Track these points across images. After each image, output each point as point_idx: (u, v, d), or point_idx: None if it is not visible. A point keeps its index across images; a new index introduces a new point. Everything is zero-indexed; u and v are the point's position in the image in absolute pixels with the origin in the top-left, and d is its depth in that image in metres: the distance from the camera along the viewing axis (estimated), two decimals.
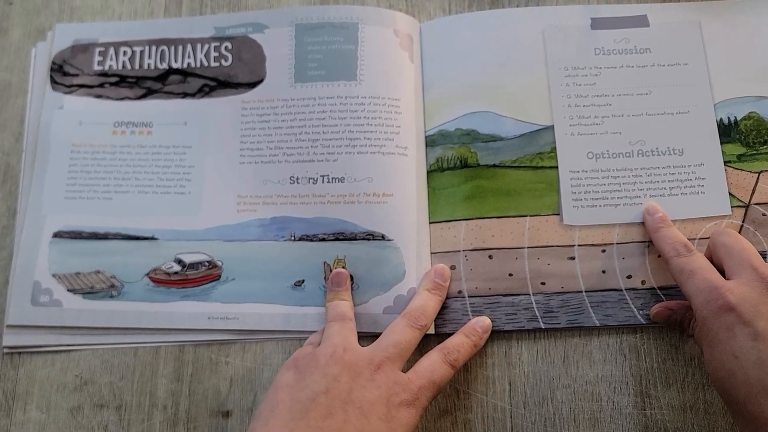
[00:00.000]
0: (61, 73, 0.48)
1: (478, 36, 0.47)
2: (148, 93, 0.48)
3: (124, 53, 0.48)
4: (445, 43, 0.47)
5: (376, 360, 0.36)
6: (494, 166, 0.44)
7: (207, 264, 0.44)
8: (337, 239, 0.43)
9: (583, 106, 0.45)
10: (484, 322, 0.41)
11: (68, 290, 0.44)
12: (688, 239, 0.39)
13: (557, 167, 0.44)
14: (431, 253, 0.43)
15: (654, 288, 0.41)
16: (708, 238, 0.39)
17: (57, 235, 0.45)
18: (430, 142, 0.45)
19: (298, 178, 0.44)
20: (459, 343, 0.39)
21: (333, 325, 0.39)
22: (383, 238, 0.43)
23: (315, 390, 0.34)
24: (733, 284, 0.34)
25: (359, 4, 0.49)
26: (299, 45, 0.47)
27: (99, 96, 0.48)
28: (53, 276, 0.44)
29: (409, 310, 0.40)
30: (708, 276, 0.35)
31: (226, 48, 0.48)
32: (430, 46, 0.47)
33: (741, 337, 0.32)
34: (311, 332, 0.42)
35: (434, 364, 0.37)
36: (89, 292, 0.44)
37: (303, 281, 0.43)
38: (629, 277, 0.42)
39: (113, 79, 0.48)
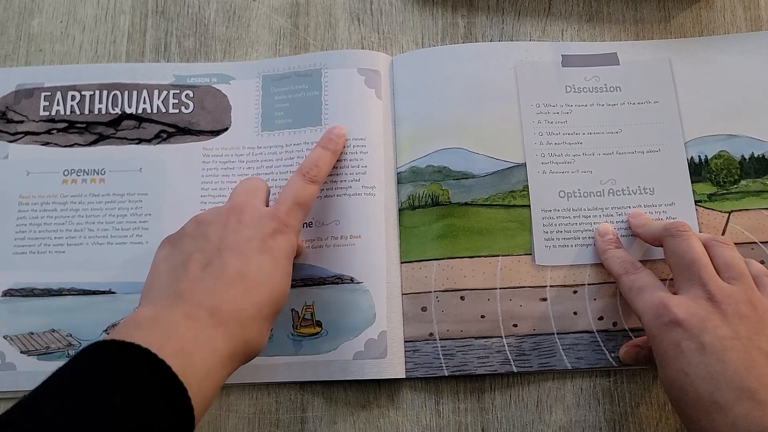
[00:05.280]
0: (4, 120, 0.46)
1: (450, 70, 0.46)
2: (100, 139, 0.46)
3: (72, 98, 0.46)
4: (417, 77, 0.46)
5: (268, 213, 0.37)
6: (466, 204, 0.43)
7: None
8: (305, 284, 0.42)
9: (555, 143, 0.44)
10: (338, 128, 0.43)
11: (21, 352, 0.41)
12: (660, 280, 0.39)
13: (529, 206, 0.43)
14: (402, 294, 0.42)
15: (625, 329, 0.41)
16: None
17: (7, 293, 0.42)
18: (402, 178, 0.44)
19: None
20: (317, 157, 0.40)
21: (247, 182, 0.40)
22: (352, 281, 0.42)
23: (188, 252, 0.35)
24: (681, 299, 0.34)
25: (330, 41, 0.48)
26: (266, 95, 0.46)
27: (46, 143, 0.45)
28: (5, 338, 0.42)
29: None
30: (656, 293, 0.35)
31: (186, 96, 0.46)
32: (403, 80, 0.46)
33: (688, 352, 0.32)
34: (281, 383, 0.41)
35: (295, 187, 0.38)
36: (45, 353, 0.41)
37: (270, 330, 0.42)
38: (600, 318, 0.41)
39: (61, 125, 0.46)
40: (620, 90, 0.45)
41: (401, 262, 0.43)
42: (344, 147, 0.43)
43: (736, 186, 0.43)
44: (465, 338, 0.41)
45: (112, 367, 0.27)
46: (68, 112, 0.46)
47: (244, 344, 0.32)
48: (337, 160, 0.44)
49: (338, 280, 0.42)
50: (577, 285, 0.42)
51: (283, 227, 0.36)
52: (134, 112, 0.46)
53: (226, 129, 0.46)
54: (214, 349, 0.30)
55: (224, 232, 0.35)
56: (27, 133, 0.46)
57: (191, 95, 0.46)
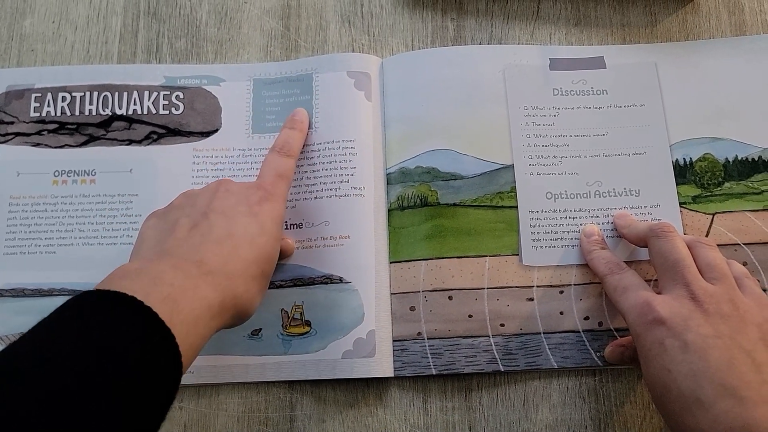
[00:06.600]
0: None
1: (439, 72, 0.47)
2: (90, 140, 0.46)
3: (63, 99, 0.46)
4: (407, 79, 0.47)
5: (254, 184, 0.38)
6: (455, 205, 0.44)
7: None
8: (294, 285, 0.42)
9: (542, 146, 0.45)
10: (299, 112, 0.44)
11: None
12: (645, 280, 0.39)
13: (517, 207, 0.44)
14: (391, 293, 0.43)
15: (611, 329, 0.42)
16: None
17: None
18: (391, 179, 0.45)
19: None
20: (287, 137, 0.42)
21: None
22: (341, 280, 0.42)
23: (175, 217, 0.35)
24: (664, 299, 0.34)
25: (321, 43, 0.48)
26: (257, 98, 0.47)
27: (37, 144, 0.46)
28: None
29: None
30: (640, 292, 0.36)
31: (177, 97, 0.46)
32: (393, 82, 0.47)
33: (672, 350, 0.32)
34: (270, 382, 0.41)
35: (274, 161, 0.40)
36: None
37: (260, 330, 0.42)
38: (586, 318, 0.42)
39: (52, 126, 0.46)
40: (607, 93, 0.46)
41: (390, 262, 0.43)
42: (309, 128, 0.45)
43: (720, 188, 0.44)
44: (453, 337, 0.42)
45: (98, 315, 0.26)
46: (59, 113, 0.46)
47: (233, 297, 0.32)
48: (327, 162, 0.44)
49: (327, 280, 0.42)
50: (563, 285, 0.42)
51: (270, 195, 0.37)
52: (125, 113, 0.46)
53: (217, 130, 0.46)
54: (202, 297, 0.30)
55: (212, 200, 0.36)
56: (17, 134, 0.46)
57: (181, 96, 0.47)
